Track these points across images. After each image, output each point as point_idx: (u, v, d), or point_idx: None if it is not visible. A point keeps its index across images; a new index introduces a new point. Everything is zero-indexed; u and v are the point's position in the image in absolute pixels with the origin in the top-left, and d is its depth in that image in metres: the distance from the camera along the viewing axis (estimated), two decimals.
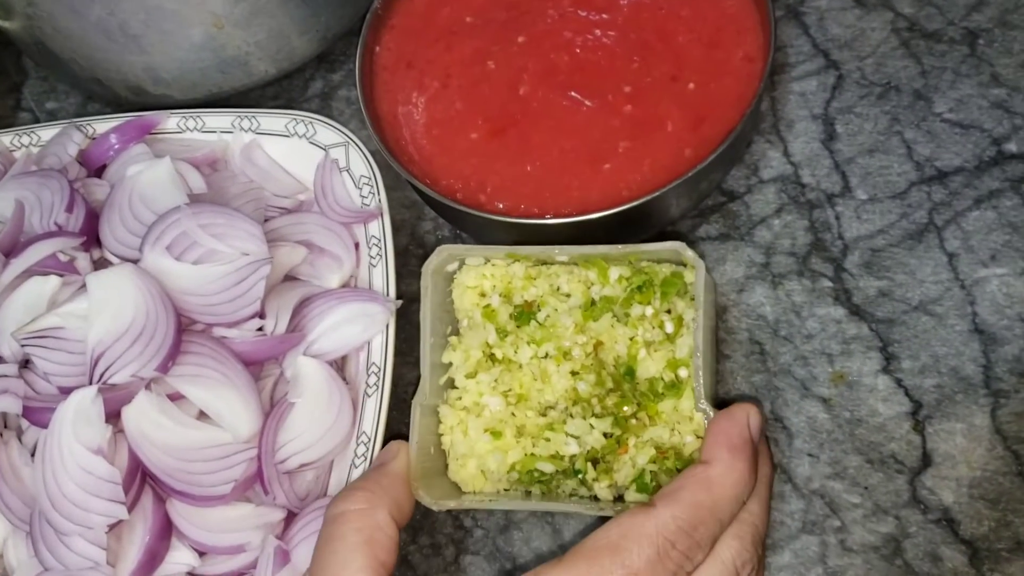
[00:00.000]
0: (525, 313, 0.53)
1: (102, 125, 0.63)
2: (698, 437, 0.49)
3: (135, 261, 0.54)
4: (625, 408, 0.50)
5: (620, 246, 0.51)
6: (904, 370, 0.54)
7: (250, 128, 0.62)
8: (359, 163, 0.59)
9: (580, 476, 0.50)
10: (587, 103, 0.56)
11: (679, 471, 0.49)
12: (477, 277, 0.54)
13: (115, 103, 0.68)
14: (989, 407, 0.53)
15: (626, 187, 0.54)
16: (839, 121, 0.61)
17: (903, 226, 0.57)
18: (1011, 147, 0.58)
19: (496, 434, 0.51)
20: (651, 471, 0.49)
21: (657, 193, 0.52)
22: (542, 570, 0.43)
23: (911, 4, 0.63)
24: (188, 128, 0.63)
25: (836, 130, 0.61)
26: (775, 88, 0.62)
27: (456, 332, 0.54)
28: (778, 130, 0.61)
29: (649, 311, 0.51)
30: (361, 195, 0.58)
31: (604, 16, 0.58)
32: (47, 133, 0.64)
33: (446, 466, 0.52)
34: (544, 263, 0.54)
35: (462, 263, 0.54)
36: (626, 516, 0.43)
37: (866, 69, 0.62)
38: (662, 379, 0.50)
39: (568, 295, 0.53)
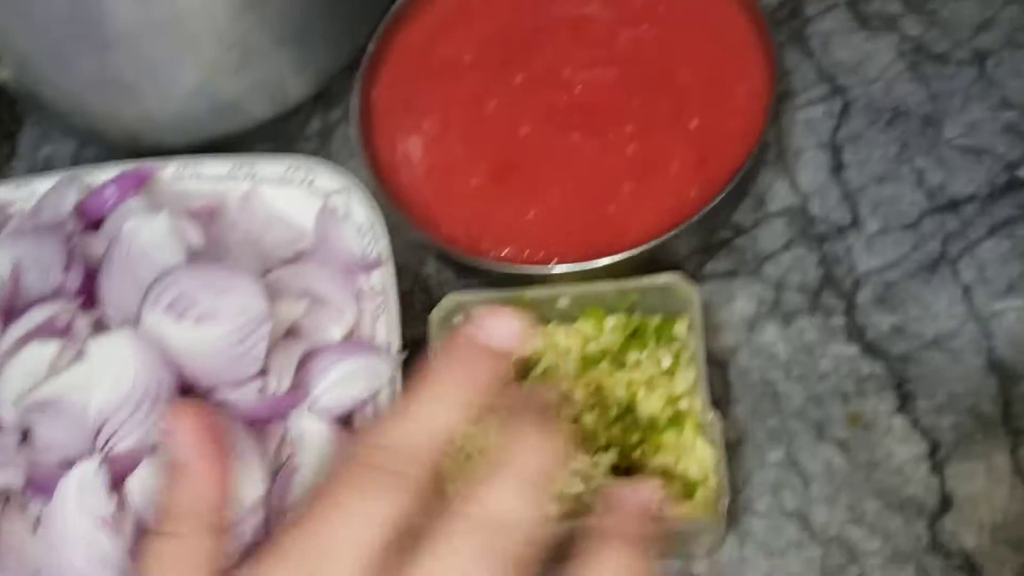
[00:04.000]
0: (525, 365, 0.52)
1: (99, 175, 0.62)
2: (701, 468, 0.49)
3: (135, 322, 0.53)
4: (632, 437, 0.50)
5: (616, 282, 0.52)
6: (920, 409, 0.53)
7: (248, 175, 0.60)
8: (360, 209, 0.58)
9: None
10: (589, 144, 0.55)
11: (688, 498, 0.49)
12: None
13: (111, 148, 0.67)
14: (1009, 446, 0.51)
15: (631, 230, 0.53)
16: (847, 150, 0.59)
17: (916, 258, 0.56)
18: None
19: None
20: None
21: (662, 239, 0.51)
22: None
23: (917, 24, 0.62)
24: (185, 176, 0.61)
25: (844, 159, 0.59)
26: (780, 116, 0.61)
27: None
28: (784, 160, 0.60)
29: (644, 355, 0.52)
30: (363, 243, 0.57)
31: (603, 52, 0.57)
32: (43, 185, 0.62)
33: None
34: (541, 322, 0.54)
35: (467, 316, 0.53)
36: None
37: (873, 94, 0.61)
38: (663, 416, 0.50)
39: (567, 351, 0.52)
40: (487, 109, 0.58)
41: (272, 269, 0.58)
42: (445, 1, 0.61)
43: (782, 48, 0.62)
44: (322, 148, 0.68)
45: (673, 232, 0.51)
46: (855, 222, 0.58)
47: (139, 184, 0.61)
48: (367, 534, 0.32)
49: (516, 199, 0.55)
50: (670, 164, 0.54)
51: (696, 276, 0.58)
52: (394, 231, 0.58)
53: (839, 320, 0.55)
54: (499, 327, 0.37)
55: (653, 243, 0.51)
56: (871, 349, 0.55)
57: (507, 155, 0.56)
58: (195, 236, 0.57)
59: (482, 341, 0.36)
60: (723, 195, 0.51)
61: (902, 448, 0.52)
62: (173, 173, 0.62)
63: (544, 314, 0.54)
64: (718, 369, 0.56)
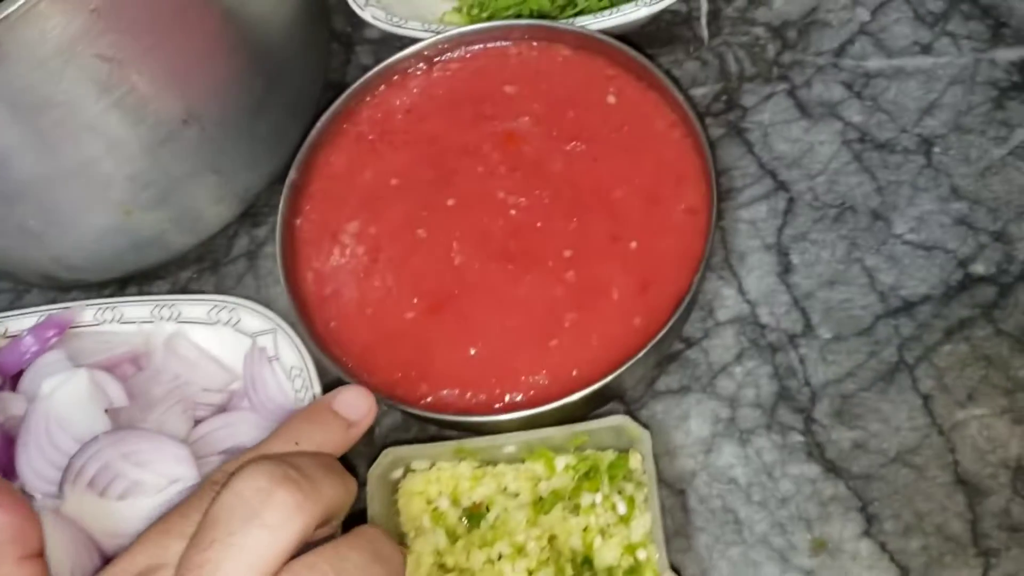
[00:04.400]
0: (475, 515, 0.50)
1: (16, 323, 0.59)
2: None
3: (56, 497, 0.50)
4: None
5: (563, 427, 0.50)
6: (887, 532, 0.51)
7: (171, 317, 0.58)
8: (289, 351, 0.55)
9: None
10: (527, 272, 0.53)
11: None
12: (424, 482, 0.51)
13: (27, 284, 0.64)
14: (980, 568, 0.49)
15: (575, 365, 0.51)
16: (794, 250, 0.57)
17: (872, 367, 0.54)
18: (978, 268, 0.55)
19: None
20: None
21: (608, 380, 0.49)
22: None
23: (860, 112, 0.60)
24: (106, 320, 0.58)
25: (792, 261, 0.57)
26: (723, 217, 0.59)
27: (403, 543, 0.51)
28: (730, 264, 0.58)
29: (599, 498, 0.49)
30: (294, 387, 0.55)
31: (536, 171, 0.55)
32: None
33: None
34: (489, 463, 0.51)
35: (407, 470, 0.51)
36: None
37: (818, 189, 0.59)
38: (620, 566, 0.48)
39: (517, 494, 0.50)
40: (418, 237, 0.55)
41: (203, 418, 0.55)
42: (368, 120, 0.58)
43: (720, 144, 0.60)
44: (250, 268, 0.64)
45: (621, 369, 0.49)
46: (807, 329, 0.55)
47: (58, 332, 0.58)
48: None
49: (454, 335, 0.52)
50: (611, 291, 0.52)
51: (647, 395, 0.55)
52: (326, 369, 0.56)
53: (797, 438, 0.53)
54: (350, 401, 0.47)
55: (599, 384, 0.49)
56: (832, 468, 0.52)
57: (442, 287, 0.53)
58: (117, 394, 0.54)
59: (333, 408, 0.47)
60: (668, 326, 0.49)
61: (871, 575, 0.50)
62: (93, 317, 0.59)
63: (491, 456, 0.51)
64: (677, 497, 0.53)
